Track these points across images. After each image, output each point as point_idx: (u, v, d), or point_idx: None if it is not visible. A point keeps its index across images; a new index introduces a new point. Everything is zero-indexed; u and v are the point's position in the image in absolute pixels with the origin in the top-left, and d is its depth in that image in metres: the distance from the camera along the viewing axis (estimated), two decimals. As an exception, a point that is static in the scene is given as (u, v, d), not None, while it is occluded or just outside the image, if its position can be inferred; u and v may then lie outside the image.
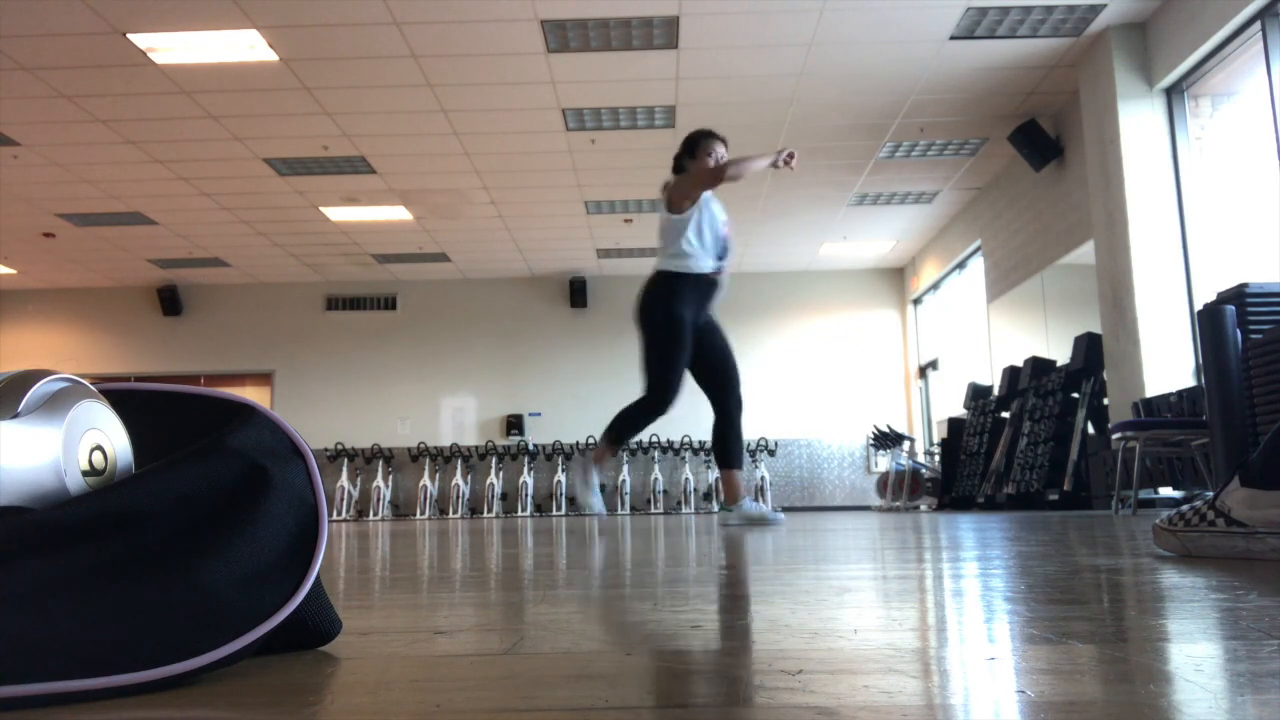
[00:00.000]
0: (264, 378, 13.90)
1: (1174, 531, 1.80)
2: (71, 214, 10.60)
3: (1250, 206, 6.48)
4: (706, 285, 4.88)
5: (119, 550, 0.71)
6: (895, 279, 13.98)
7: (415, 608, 1.24)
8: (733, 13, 6.75)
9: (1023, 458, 8.44)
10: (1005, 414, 9.34)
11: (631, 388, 13.91)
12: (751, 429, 13.59)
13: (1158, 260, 6.94)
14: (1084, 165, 7.84)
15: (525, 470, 13.28)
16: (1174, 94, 6.99)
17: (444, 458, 13.51)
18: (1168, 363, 6.85)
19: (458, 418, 13.87)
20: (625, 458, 13.43)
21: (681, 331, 4.76)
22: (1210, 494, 1.79)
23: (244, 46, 6.99)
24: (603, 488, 13.33)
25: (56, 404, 0.75)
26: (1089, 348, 7.73)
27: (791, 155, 4.76)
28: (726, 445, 4.89)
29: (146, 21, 6.63)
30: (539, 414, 13.74)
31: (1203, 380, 5.75)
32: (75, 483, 0.74)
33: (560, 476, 13.14)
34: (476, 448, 13.64)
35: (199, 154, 9.02)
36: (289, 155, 9.13)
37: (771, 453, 13.60)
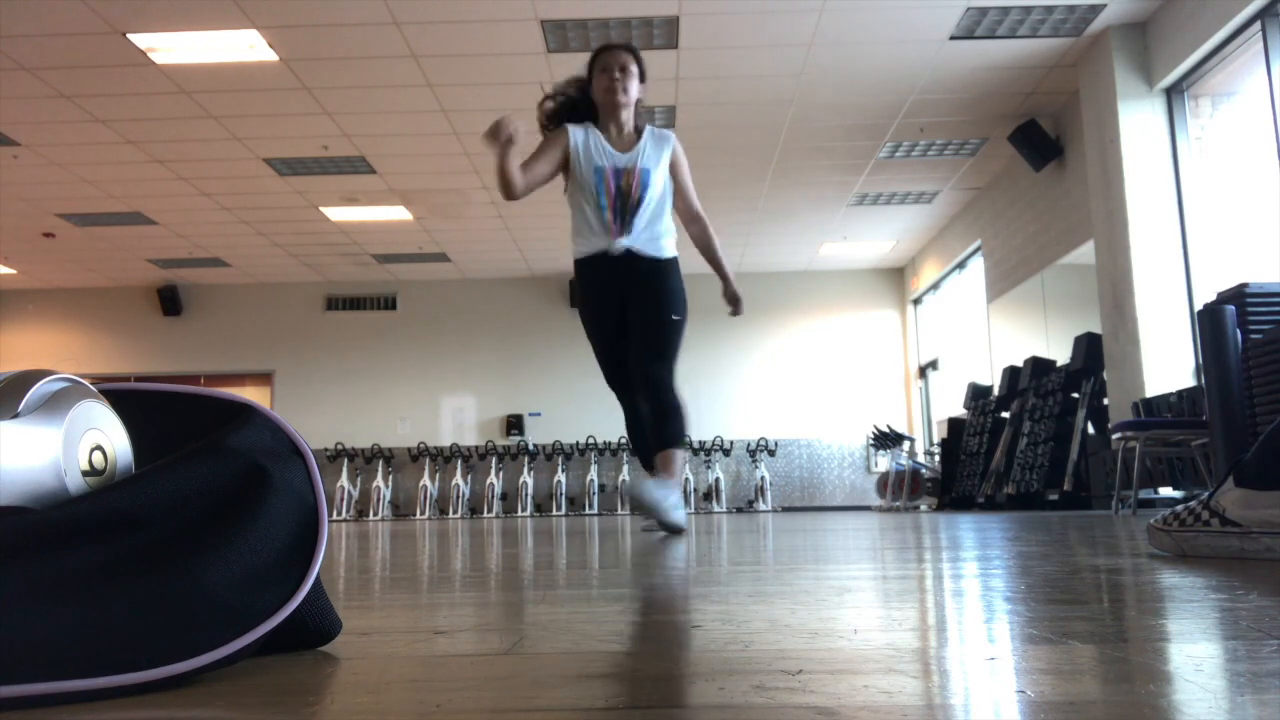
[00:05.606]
0: (264, 378, 13.90)
1: (1169, 531, 1.80)
2: (71, 214, 10.59)
3: (1250, 206, 6.48)
4: None
5: (119, 550, 0.71)
6: (895, 279, 13.98)
7: (415, 608, 1.24)
8: (733, 13, 6.74)
9: (1023, 458, 8.44)
10: (1005, 414, 9.34)
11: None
12: (752, 429, 13.60)
13: (1158, 260, 6.94)
14: (1084, 165, 7.84)
15: (525, 470, 13.27)
16: (1174, 94, 6.98)
17: (444, 458, 13.51)
18: (1168, 363, 6.85)
19: (458, 418, 13.86)
20: (625, 457, 13.43)
21: None
22: (1206, 494, 1.78)
23: (244, 46, 6.99)
24: (602, 488, 13.39)
25: (56, 404, 0.75)
26: (1089, 348, 7.73)
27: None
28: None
29: (146, 21, 6.62)
30: (539, 414, 13.73)
31: (1203, 380, 5.75)
32: (75, 483, 0.74)
33: (560, 476, 13.13)
34: (476, 448, 13.63)
35: (199, 154, 9.02)
36: (289, 155, 9.13)
37: (771, 453, 13.59)
